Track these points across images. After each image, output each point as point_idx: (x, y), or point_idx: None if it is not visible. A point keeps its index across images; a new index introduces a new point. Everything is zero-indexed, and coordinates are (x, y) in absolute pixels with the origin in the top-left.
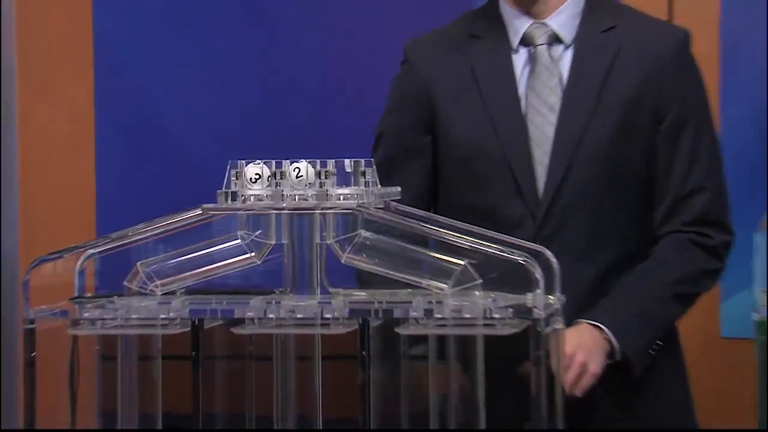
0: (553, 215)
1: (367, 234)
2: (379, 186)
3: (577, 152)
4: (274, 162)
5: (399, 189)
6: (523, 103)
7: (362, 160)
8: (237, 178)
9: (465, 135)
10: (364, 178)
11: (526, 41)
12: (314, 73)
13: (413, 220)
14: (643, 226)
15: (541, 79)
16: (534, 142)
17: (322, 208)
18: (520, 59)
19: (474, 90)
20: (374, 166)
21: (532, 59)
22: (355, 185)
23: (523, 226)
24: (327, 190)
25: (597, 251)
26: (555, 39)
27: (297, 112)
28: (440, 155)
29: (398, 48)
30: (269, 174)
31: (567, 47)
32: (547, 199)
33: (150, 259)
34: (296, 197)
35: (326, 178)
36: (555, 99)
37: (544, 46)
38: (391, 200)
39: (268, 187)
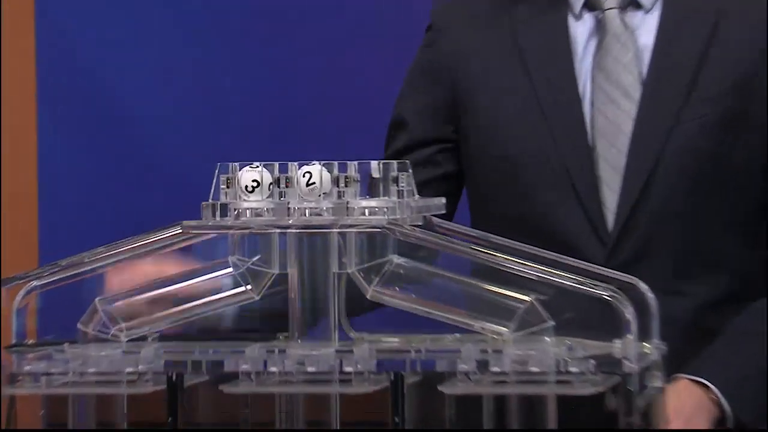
0: (631, 235)
1: (401, 260)
2: (417, 196)
3: (663, 152)
4: (277, 165)
5: (443, 201)
6: (587, 85)
7: (394, 163)
8: (228, 187)
9: (503, 125)
10: (397, 186)
11: (591, 4)
12: (316, 56)
13: (462, 242)
14: (756, 249)
15: (612, 53)
16: (603, 137)
17: (341, 226)
18: (583, 28)
19: (518, 67)
20: (410, 170)
21: (600, 27)
22: (384, 195)
23: (586, 249)
24: (348, 202)
25: (691, 283)
26: (630, 1)
27: (299, 103)
28: (469, 151)
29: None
30: (271, 181)
31: (647, 11)
32: (623, 215)
33: (112, 294)
34: (307, 211)
35: (346, 185)
36: (631, 80)
37: (615, 10)
38: (433, 215)
39: (270, 199)
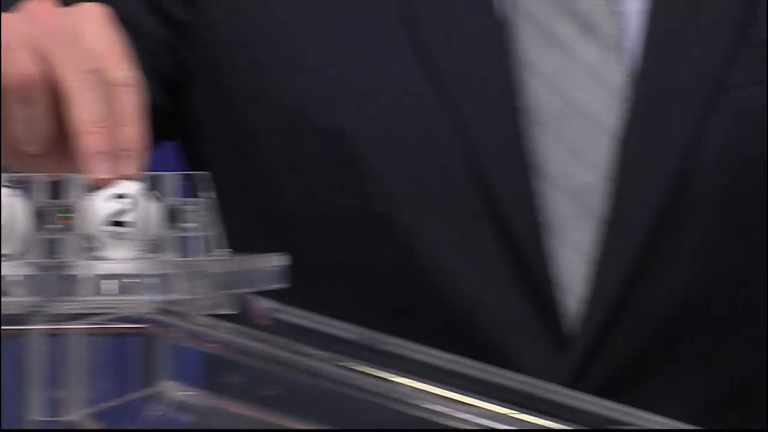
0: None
1: (186, 393)
2: (226, 249)
3: (694, 159)
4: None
5: (279, 260)
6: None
7: (172, 176)
8: None
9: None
10: (179, 225)
11: None
12: None
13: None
14: None
15: None
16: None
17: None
18: None
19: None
20: (210, 190)
21: None
22: (151, 248)
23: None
24: (62, 266)
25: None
26: None
27: None
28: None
29: None
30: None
31: None
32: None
33: None
34: None
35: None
36: (606, 31)
37: None
38: (249, 296)
39: None
